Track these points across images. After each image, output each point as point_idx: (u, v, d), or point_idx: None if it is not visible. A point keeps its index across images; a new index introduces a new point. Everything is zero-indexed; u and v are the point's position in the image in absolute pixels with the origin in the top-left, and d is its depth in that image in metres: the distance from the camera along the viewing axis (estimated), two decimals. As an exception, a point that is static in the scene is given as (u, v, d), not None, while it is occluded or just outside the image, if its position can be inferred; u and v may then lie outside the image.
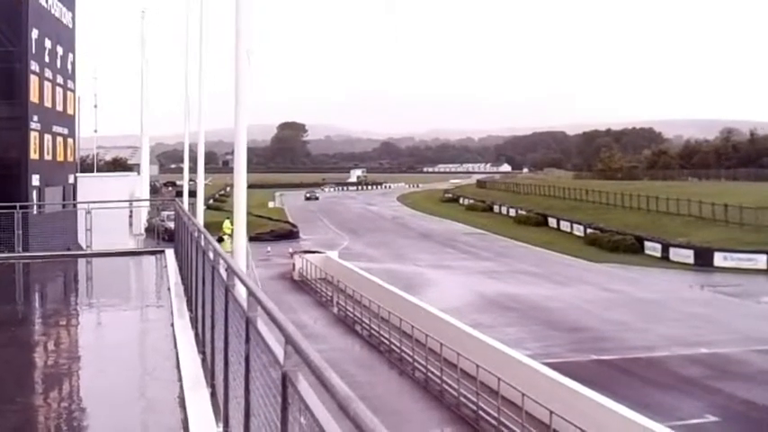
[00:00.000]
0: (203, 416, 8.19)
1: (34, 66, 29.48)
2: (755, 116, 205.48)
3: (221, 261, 8.67)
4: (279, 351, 4.80)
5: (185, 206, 28.35)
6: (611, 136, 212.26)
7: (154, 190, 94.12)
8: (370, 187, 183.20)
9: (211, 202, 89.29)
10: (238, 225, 13.74)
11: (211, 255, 9.63)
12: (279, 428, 4.54)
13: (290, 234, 78.06)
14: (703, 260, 57.37)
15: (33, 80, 29.40)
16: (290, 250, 56.96)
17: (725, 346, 33.14)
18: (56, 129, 32.05)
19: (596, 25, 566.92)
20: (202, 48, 25.81)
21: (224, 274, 8.12)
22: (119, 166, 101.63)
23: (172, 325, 12.94)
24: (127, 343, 13.50)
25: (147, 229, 31.36)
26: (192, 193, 29.76)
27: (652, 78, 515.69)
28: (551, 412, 20.68)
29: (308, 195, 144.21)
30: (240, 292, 6.97)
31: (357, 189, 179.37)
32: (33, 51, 29.32)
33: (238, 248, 13.55)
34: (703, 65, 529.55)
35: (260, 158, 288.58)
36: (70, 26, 35.10)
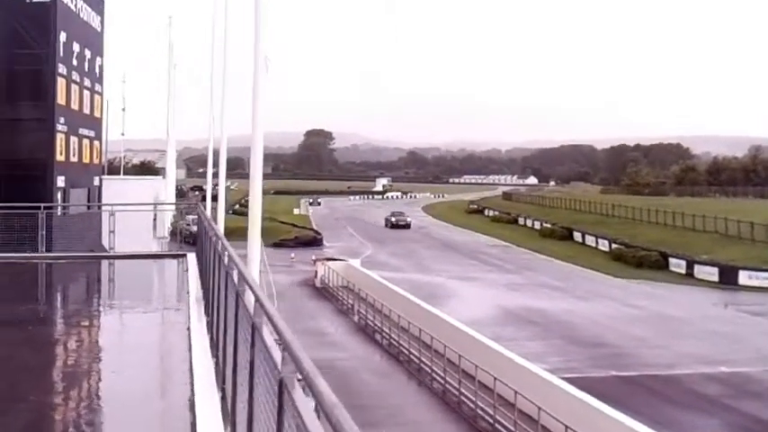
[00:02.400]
0: (212, 419, 8.26)
1: (62, 69, 29.71)
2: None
3: (235, 267, 8.77)
4: (280, 357, 4.87)
5: (208, 211, 28.55)
6: (639, 151, 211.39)
7: (180, 194, 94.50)
8: (395, 196, 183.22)
9: (237, 207, 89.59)
10: (253, 232, 13.79)
11: (226, 260, 9.72)
12: (276, 433, 4.60)
13: (313, 241, 78.27)
14: (728, 278, 56.98)
15: (60, 83, 29.63)
16: (313, 257, 57.09)
17: (746, 366, 32.91)
18: (82, 131, 32.27)
19: (626, 40, 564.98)
20: (226, 53, 25.92)
21: (236, 280, 8.20)
22: (146, 169, 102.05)
23: (188, 329, 13.02)
24: (143, 345, 13.61)
25: (171, 233, 31.45)
26: (216, 198, 29.86)
27: (681, 94, 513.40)
28: (567, 427, 20.63)
29: (310, 201, 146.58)
30: (250, 297, 7.02)
31: (382, 198, 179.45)
32: (61, 54, 29.55)
33: (252, 255, 13.59)
34: (733, 81, 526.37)
35: (287, 165, 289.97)
36: (99, 30, 35.36)
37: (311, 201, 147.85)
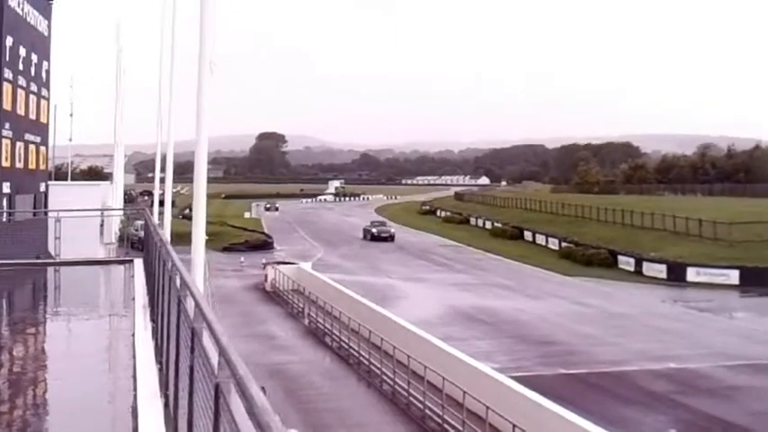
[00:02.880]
0: (154, 426, 8.23)
1: (7, 73, 29.48)
2: (733, 132, 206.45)
3: (177, 272, 8.77)
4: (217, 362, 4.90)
5: (156, 216, 28.39)
6: (589, 150, 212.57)
7: (130, 199, 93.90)
8: (348, 198, 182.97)
9: (188, 211, 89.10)
10: (197, 236, 13.76)
11: (170, 265, 9.72)
12: (214, 439, 4.63)
13: (264, 245, 77.98)
14: (676, 275, 57.67)
15: (6, 88, 29.41)
16: (263, 261, 56.95)
17: (694, 362, 33.29)
18: (28, 136, 32.03)
19: (575, 40, 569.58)
20: (174, 57, 25.81)
21: (179, 285, 8.21)
22: (94, 174, 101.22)
23: (133, 335, 12.96)
24: (88, 352, 13.52)
25: (119, 239, 31.25)
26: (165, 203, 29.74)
27: (631, 93, 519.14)
28: (514, 426, 20.78)
29: (267, 206, 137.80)
30: (192, 303, 7.03)
31: (335, 200, 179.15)
32: (7, 59, 29.34)
33: (197, 260, 13.56)
34: (682, 80, 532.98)
35: (238, 169, 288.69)
36: (46, 34, 35.09)
37: (268, 206, 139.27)
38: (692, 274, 57.17)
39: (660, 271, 59.20)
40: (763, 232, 61.99)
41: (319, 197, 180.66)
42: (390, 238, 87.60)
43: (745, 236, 61.92)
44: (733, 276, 55.40)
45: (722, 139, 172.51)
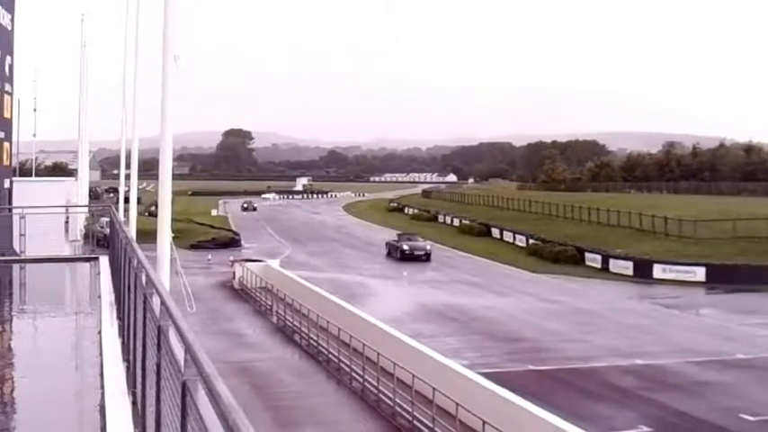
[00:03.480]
0: (122, 424, 8.14)
1: (-30, 69, 29.07)
2: (698, 131, 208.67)
3: (143, 269, 8.69)
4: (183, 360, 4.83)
5: (121, 213, 28.17)
6: (556, 148, 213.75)
7: (95, 195, 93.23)
8: (315, 196, 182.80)
9: (153, 209, 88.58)
10: (162, 233, 13.63)
11: (135, 263, 9.63)
12: (181, 437, 4.55)
13: (231, 242, 77.65)
14: (642, 272, 57.92)
15: (-32, 83, 28.98)
16: (231, 258, 56.69)
17: (661, 358, 33.40)
18: (-9, 132, 31.58)
19: (543, 39, 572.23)
20: (138, 51, 25.63)
21: (145, 282, 8.13)
22: (59, 170, 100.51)
23: (100, 333, 12.82)
24: (52, 350, 13.38)
25: (84, 236, 30.97)
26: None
27: (598, 91, 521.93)
28: (484, 422, 20.75)
29: (244, 206, 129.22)
30: (157, 301, 6.95)
31: (302, 197, 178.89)
32: (-32, 53, 28.91)
33: (162, 257, 13.43)
34: (648, 79, 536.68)
35: (205, 165, 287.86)
36: (9, 28, 34.60)
37: (245, 205, 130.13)
38: (658, 271, 57.43)
39: (626, 268, 59.45)
40: (729, 229, 62.53)
41: (263, 195, 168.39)
42: (426, 257, 66.68)
43: (711, 233, 62.38)
44: (699, 273, 55.67)
45: (687, 137, 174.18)
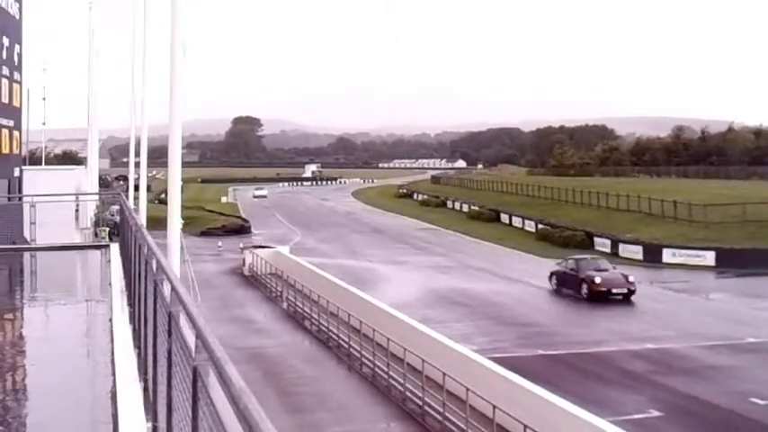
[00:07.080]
0: (134, 410, 8.19)
1: (-22, 57, 29.13)
2: (707, 114, 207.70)
3: (153, 256, 8.73)
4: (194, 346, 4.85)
5: (131, 200, 28.23)
6: (564, 133, 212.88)
7: (105, 183, 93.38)
8: (324, 182, 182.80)
9: (163, 196, 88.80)
10: (172, 220, 13.67)
11: (146, 250, 9.66)
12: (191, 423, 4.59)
13: (241, 229, 77.82)
14: (652, 256, 57.83)
15: (-23, 72, 29.06)
16: (241, 245, 56.77)
17: (671, 342, 33.34)
18: (1, 121, 31.69)
19: (551, 24, 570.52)
20: (146, 39, 25.64)
21: (155, 269, 8.17)
22: (69, 159, 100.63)
23: (111, 320, 12.88)
24: (64, 337, 13.44)
25: (94, 223, 31.05)
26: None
27: (606, 76, 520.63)
28: (494, 407, 20.78)
29: (256, 194, 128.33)
30: (168, 287, 6.98)
31: (312, 184, 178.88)
32: (-23, 43, 28.98)
33: (172, 244, 13.47)
34: (656, 63, 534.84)
35: (214, 153, 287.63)
36: (17, 17, 34.65)
37: (257, 193, 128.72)
38: (667, 256, 57.33)
39: (636, 252, 59.39)
40: (738, 213, 62.31)
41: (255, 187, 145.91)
42: (627, 297, 43.13)
43: (720, 217, 62.15)
44: (709, 257, 55.57)
45: (696, 121, 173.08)
